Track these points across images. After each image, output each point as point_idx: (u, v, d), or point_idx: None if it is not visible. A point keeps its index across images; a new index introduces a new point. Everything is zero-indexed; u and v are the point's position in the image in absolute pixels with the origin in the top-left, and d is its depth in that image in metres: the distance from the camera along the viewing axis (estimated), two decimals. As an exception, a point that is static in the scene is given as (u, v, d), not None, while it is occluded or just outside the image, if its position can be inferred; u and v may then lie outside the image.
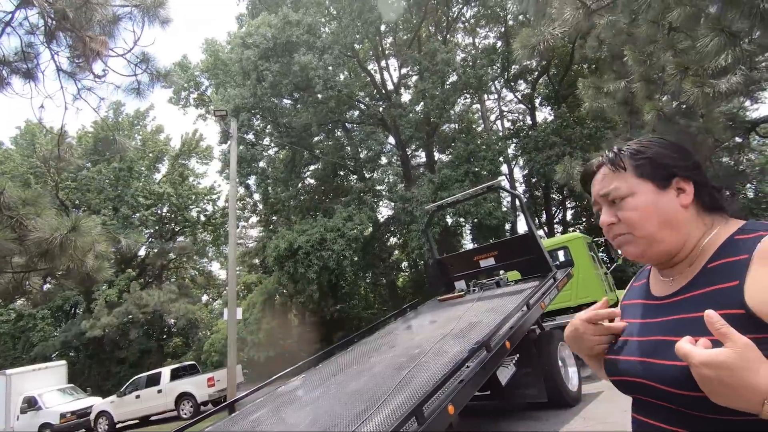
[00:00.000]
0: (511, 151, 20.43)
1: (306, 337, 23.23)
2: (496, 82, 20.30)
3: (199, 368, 16.15)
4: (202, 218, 31.19)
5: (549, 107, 22.29)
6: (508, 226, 19.25)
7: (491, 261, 6.73)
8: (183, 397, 13.28)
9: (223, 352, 21.74)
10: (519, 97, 20.92)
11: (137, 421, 14.32)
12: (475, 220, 16.48)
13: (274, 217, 22.06)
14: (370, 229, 15.23)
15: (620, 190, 0.85)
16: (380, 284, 25.60)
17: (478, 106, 25.59)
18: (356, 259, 15.72)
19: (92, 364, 25.26)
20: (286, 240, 14.15)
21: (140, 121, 28.57)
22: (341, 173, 22.09)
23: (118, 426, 14.11)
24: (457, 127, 22.98)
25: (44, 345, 23.54)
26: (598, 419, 4.61)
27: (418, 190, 15.29)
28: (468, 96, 20.39)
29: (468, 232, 25.08)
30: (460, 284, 7.00)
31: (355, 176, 21.84)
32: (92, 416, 14.50)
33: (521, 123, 23.99)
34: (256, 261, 29.80)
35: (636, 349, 0.84)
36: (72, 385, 17.39)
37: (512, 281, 6.61)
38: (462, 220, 19.30)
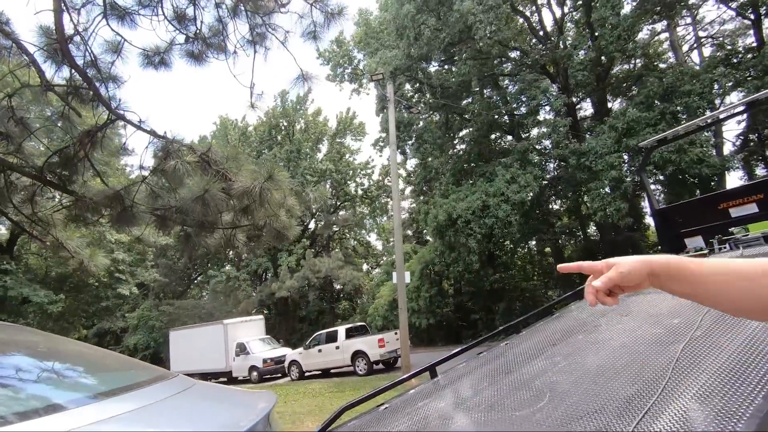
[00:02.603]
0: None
1: (463, 306, 22.92)
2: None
3: (368, 329, 17.19)
4: (360, 192, 33.30)
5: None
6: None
7: (751, 208, 4.87)
8: (358, 354, 14.25)
9: (386, 316, 22.96)
10: (734, 7, 15.88)
11: (320, 372, 16.02)
12: (668, 172, 13.19)
13: (425, 187, 21.93)
14: (534, 191, 13.59)
15: None
16: (544, 253, 23.47)
17: (666, 34, 20.66)
18: (517, 227, 14.34)
19: (281, 320, 29.74)
20: (444, 210, 13.61)
21: (301, 105, 31.49)
22: (493, 135, 20.51)
23: (306, 374, 16.01)
24: (639, 63, 18.92)
25: (246, 302, 28.50)
26: None
27: (596, 141, 12.92)
28: (654, 20, 16.39)
29: (655, 188, 20.79)
30: (695, 242, 5.29)
31: (510, 136, 20.04)
32: (286, 364, 16.79)
33: (732, 46, 18.43)
34: (409, 232, 30.62)
35: None
36: (269, 336, 20.54)
37: None
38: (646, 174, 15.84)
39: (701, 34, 21.42)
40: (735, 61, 16.28)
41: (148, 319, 31.18)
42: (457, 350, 4.39)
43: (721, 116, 5.28)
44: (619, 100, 20.06)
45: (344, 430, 3.45)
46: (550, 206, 19.96)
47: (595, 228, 22.07)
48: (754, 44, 16.50)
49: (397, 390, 4.10)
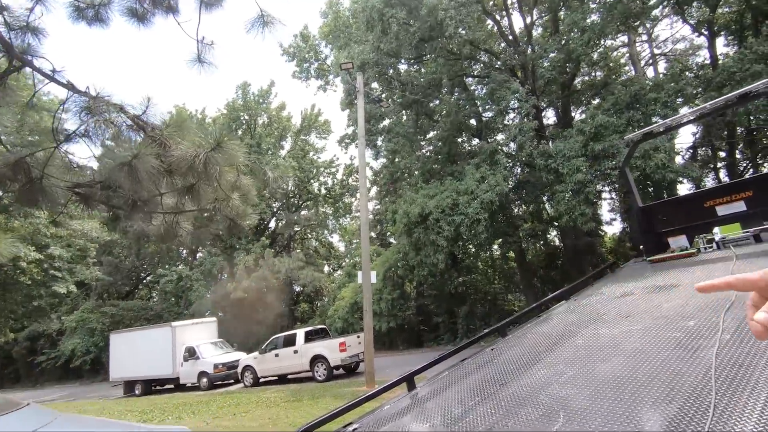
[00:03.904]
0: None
1: (426, 310, 22.62)
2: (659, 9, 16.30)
3: (329, 332, 16.43)
4: (323, 191, 32.42)
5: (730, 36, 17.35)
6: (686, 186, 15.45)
7: (738, 206, 4.69)
8: (317, 359, 13.48)
9: (347, 318, 22.24)
10: (692, 23, 16.57)
11: (276, 377, 15.09)
12: (634, 177, 13.50)
13: (391, 188, 21.48)
14: (503, 191, 13.41)
15: None
16: (506, 257, 23.61)
17: (625, 49, 21.48)
18: (485, 226, 14.17)
19: (237, 323, 28.25)
20: (417, 205, 13.15)
21: (264, 99, 30.28)
22: (460, 138, 20.41)
23: (261, 381, 15.02)
24: (600, 75, 19.47)
25: (199, 303, 26.86)
26: None
27: (564, 144, 12.95)
28: (620, 29, 16.86)
29: (611, 194, 21.29)
30: (678, 241, 5.08)
31: (477, 140, 20.01)
32: (239, 369, 15.72)
33: (684, 64, 19.32)
34: (373, 234, 30.06)
35: None
36: (222, 339, 19.28)
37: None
38: (602, 184, 16.15)
39: (656, 51, 22.47)
40: (690, 75, 17.01)
41: (88, 321, 28.71)
42: (437, 357, 3.79)
43: (708, 109, 5.11)
44: (581, 109, 20.57)
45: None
46: (514, 211, 20.06)
47: (555, 233, 22.47)
48: (707, 62, 17.34)
49: (368, 404, 3.41)
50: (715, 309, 3.00)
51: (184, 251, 35.05)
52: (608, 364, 2.68)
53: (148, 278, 37.36)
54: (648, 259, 5.19)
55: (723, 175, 17.69)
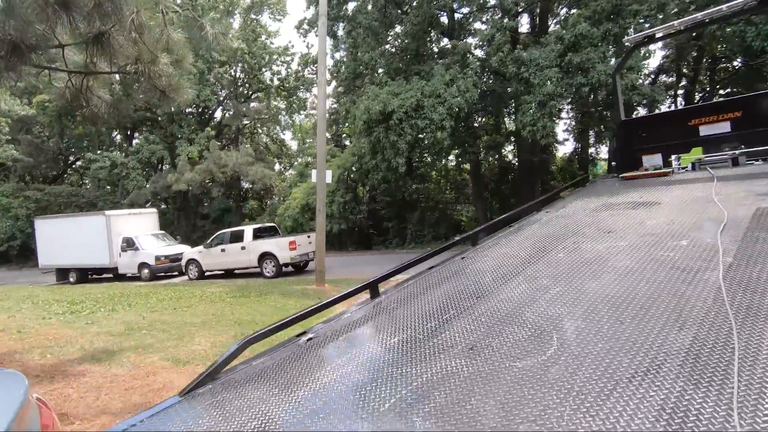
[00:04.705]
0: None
1: (377, 214, 22.84)
2: None
3: (279, 230, 16.14)
4: (276, 82, 29.71)
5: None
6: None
7: (723, 126, 4.46)
8: (266, 256, 13.31)
9: (297, 218, 22.02)
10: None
11: (223, 272, 14.93)
12: (602, 96, 13.27)
13: (353, 84, 19.93)
14: (473, 98, 12.71)
15: None
16: (461, 168, 23.71)
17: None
18: (448, 133, 13.67)
19: (180, 216, 27.19)
20: (380, 101, 12.17)
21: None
22: (429, 37, 18.72)
23: (206, 274, 14.81)
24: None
25: (137, 193, 25.24)
26: None
27: (540, 52, 12.17)
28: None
29: (569, 113, 21.17)
30: (652, 159, 4.90)
31: (446, 39, 18.53)
32: (183, 262, 15.33)
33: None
34: (328, 135, 28.67)
35: None
36: (164, 231, 18.48)
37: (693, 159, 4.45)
38: (566, 102, 15.80)
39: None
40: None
41: (9, 205, 26.34)
42: (405, 263, 3.43)
43: (724, 12, 4.59)
44: (558, 19, 19.34)
45: (245, 371, 2.26)
46: (476, 120, 19.61)
47: (511, 148, 22.59)
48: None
49: (325, 312, 3.03)
50: (707, 229, 2.76)
51: (117, 135, 31.91)
52: (599, 282, 2.40)
53: (78, 163, 34.18)
54: (620, 175, 4.99)
55: (680, 103, 17.99)
